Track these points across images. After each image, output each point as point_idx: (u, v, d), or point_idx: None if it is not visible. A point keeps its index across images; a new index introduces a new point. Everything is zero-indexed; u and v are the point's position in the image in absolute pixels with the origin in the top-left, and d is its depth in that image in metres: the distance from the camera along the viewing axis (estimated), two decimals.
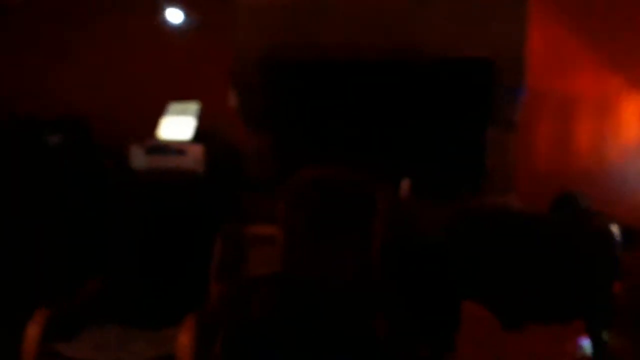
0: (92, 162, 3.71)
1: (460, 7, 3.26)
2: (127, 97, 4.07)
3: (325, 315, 2.64)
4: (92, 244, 2.94)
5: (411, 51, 3.28)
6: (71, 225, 3.44)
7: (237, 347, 2.39)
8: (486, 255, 2.56)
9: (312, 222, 2.87)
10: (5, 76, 4.16)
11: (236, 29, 3.46)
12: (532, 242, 2.54)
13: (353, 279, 2.75)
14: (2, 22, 4.15)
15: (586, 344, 2.32)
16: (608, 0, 3.49)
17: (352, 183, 2.89)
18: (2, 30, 4.17)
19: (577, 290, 2.42)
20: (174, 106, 3.76)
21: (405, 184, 3.32)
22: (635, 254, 2.85)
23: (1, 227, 3.29)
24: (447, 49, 3.24)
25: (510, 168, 3.43)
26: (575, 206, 3.12)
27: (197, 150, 3.51)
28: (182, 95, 3.82)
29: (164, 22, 3.96)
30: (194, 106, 3.73)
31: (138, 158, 3.56)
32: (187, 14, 3.95)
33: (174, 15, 3.91)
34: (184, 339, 2.26)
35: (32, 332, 2.29)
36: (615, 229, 2.44)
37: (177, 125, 3.68)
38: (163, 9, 3.94)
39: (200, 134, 3.66)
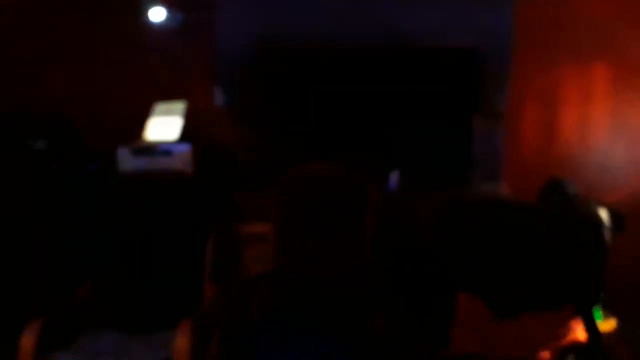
0: (79, 166, 3.70)
1: None
2: (112, 99, 4.03)
3: (322, 313, 2.65)
4: (83, 249, 2.92)
5: (396, 39, 3.27)
6: (61, 231, 3.43)
7: (233, 348, 2.39)
8: (477, 246, 2.57)
9: (304, 218, 2.85)
10: None
11: (217, 23, 3.43)
12: (522, 230, 2.55)
13: (347, 274, 2.75)
14: None
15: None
16: None
17: (343, 178, 2.87)
18: None
19: (568, 276, 2.43)
20: (159, 106, 3.74)
21: (394, 176, 3.33)
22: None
23: None
24: (432, 37, 3.24)
25: (498, 156, 3.45)
26: (563, 193, 3.14)
27: (185, 150, 3.50)
28: (168, 95, 3.79)
29: (147, 22, 3.92)
30: (180, 106, 3.70)
31: (126, 160, 3.54)
32: (169, 12, 3.91)
33: (156, 14, 3.87)
34: (181, 342, 2.26)
35: (27, 342, 2.28)
36: (604, 213, 2.46)
37: (164, 126, 3.66)
38: (145, 8, 3.90)
39: (187, 133, 3.64)
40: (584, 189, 3.20)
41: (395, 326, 2.42)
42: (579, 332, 2.28)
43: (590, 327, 2.30)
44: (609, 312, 2.41)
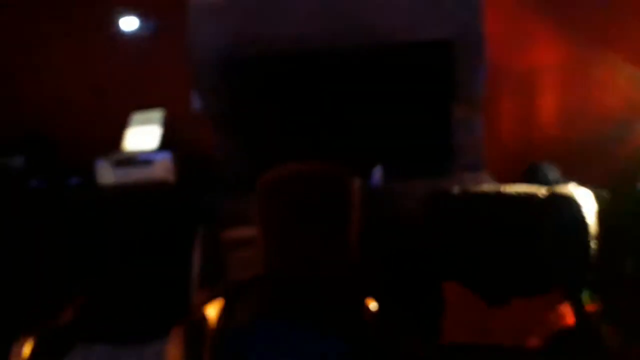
0: (58, 182, 3.67)
1: None
2: (88, 111, 4.00)
3: (314, 312, 2.64)
4: (67, 265, 2.89)
5: (369, 36, 3.28)
6: (44, 247, 3.40)
7: (227, 353, 2.38)
8: (463, 235, 2.57)
9: (289, 218, 2.85)
10: None
11: (191, 30, 3.42)
12: (506, 216, 2.57)
13: (334, 270, 2.75)
14: None
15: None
16: None
17: (325, 175, 2.87)
18: None
19: (555, 260, 2.45)
20: (137, 116, 3.72)
21: (377, 171, 3.34)
22: None
23: None
24: (404, 32, 3.25)
25: (479, 145, 3.48)
26: (544, 177, 3.18)
27: (166, 158, 3.48)
28: (146, 104, 3.77)
29: (119, 31, 3.89)
30: (157, 114, 3.68)
31: (105, 173, 3.50)
32: (141, 21, 3.89)
33: (129, 23, 3.85)
34: (174, 350, 2.24)
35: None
36: (586, 196, 2.48)
37: (143, 135, 3.64)
38: (117, 18, 3.87)
39: (167, 142, 3.62)
40: (567, 173, 3.26)
41: (387, 319, 2.43)
42: (568, 317, 2.30)
43: (579, 310, 2.32)
44: (594, 294, 2.43)
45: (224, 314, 2.59)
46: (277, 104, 3.67)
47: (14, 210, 3.45)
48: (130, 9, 3.90)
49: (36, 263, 3.44)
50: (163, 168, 3.47)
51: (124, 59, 3.95)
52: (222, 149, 3.71)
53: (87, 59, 3.99)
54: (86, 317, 2.72)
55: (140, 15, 3.90)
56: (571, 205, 2.47)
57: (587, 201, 2.47)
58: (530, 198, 2.60)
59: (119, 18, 3.88)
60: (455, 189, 2.77)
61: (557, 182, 3.13)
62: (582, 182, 2.86)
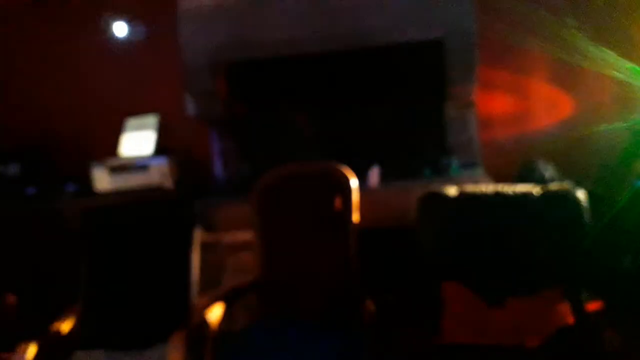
0: (55, 189, 3.66)
1: None
2: (84, 119, 3.99)
3: (312, 314, 2.66)
4: (67, 273, 2.89)
5: (360, 38, 3.29)
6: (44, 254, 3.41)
7: (227, 357, 2.38)
8: (459, 235, 2.59)
9: (284, 221, 2.87)
10: None
11: (182, 35, 3.41)
12: (502, 216, 2.58)
13: (332, 271, 2.77)
14: None
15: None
16: None
17: (320, 176, 2.89)
18: None
19: (552, 259, 2.47)
20: (132, 122, 3.71)
21: (374, 172, 3.35)
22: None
23: None
24: (396, 33, 3.25)
25: (474, 144, 3.49)
26: (539, 175, 3.19)
27: (162, 163, 3.47)
28: (140, 109, 3.77)
29: (112, 37, 3.88)
30: (152, 119, 3.68)
31: (102, 179, 3.50)
32: (131, 26, 3.88)
33: (119, 29, 3.84)
34: (174, 356, 2.24)
35: None
36: (581, 194, 2.50)
37: (138, 141, 3.63)
38: (108, 25, 3.86)
39: (162, 147, 3.62)
40: (561, 170, 3.27)
41: (386, 319, 2.44)
42: (567, 316, 2.31)
43: (578, 309, 2.34)
44: (593, 293, 2.43)
45: (223, 317, 2.60)
46: (271, 107, 3.68)
47: (10, 218, 3.46)
48: (121, 15, 3.88)
49: (35, 270, 3.45)
50: (159, 173, 3.47)
51: (117, 65, 3.93)
52: (217, 153, 3.71)
53: (80, 66, 3.97)
54: (86, 323, 2.73)
55: (131, 20, 3.89)
56: (567, 204, 2.49)
57: (582, 199, 2.49)
58: (527, 197, 2.62)
59: (112, 24, 3.86)
60: (451, 189, 2.79)
61: (553, 180, 3.14)
62: (577, 180, 2.88)
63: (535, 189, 2.64)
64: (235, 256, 3.16)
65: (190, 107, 3.51)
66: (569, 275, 2.42)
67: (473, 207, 2.65)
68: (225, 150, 3.71)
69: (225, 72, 3.47)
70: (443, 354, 2.28)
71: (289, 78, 3.53)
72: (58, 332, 2.56)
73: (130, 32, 3.86)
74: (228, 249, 3.18)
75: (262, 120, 3.71)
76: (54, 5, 3.94)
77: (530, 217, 2.56)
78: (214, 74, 3.43)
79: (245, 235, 3.03)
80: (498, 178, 3.29)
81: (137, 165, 3.48)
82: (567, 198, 2.55)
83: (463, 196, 2.74)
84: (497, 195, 2.73)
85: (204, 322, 2.48)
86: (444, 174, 3.37)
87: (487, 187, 2.72)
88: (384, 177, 3.36)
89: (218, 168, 3.71)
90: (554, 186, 2.64)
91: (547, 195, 2.60)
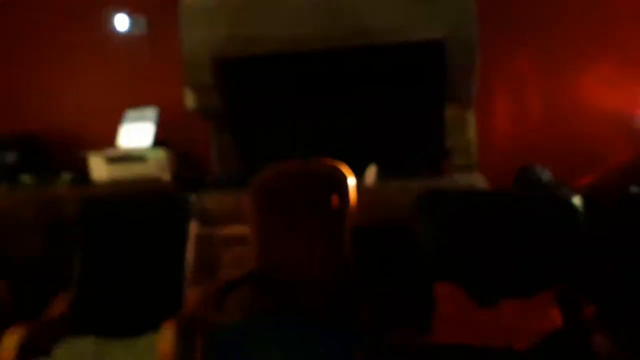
0: (51, 176, 3.67)
1: None
2: (83, 108, 4.00)
3: (305, 310, 2.65)
4: (60, 257, 2.89)
5: (362, 37, 3.29)
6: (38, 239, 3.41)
7: (218, 349, 2.38)
8: (454, 235, 2.59)
9: (281, 217, 2.87)
10: None
11: (183, 29, 3.42)
12: (498, 218, 2.58)
13: (327, 268, 2.76)
14: None
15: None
16: None
17: (318, 174, 2.89)
18: None
19: (545, 262, 2.46)
20: (131, 113, 3.71)
21: (371, 170, 3.35)
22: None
23: None
24: (397, 33, 3.26)
25: (472, 146, 3.49)
26: (537, 180, 3.19)
27: (160, 155, 3.48)
28: (140, 102, 3.77)
29: (112, 30, 3.89)
30: (151, 112, 3.68)
31: (99, 169, 3.51)
32: (132, 19, 3.89)
33: (120, 22, 3.85)
34: (164, 345, 2.23)
35: (6, 353, 2.23)
36: (577, 200, 2.50)
37: (137, 133, 3.63)
38: (110, 17, 3.87)
39: (161, 139, 3.62)
40: (559, 175, 3.28)
41: (379, 316, 2.43)
42: (557, 320, 2.31)
43: (569, 314, 2.33)
44: (587, 299, 2.42)
45: (216, 309, 2.60)
46: (270, 103, 3.68)
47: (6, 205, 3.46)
48: (123, 8, 3.89)
49: (28, 256, 3.45)
50: (156, 165, 3.47)
51: (118, 57, 3.94)
52: (216, 147, 3.71)
53: (81, 57, 3.98)
54: (77, 309, 2.73)
55: (132, 14, 3.90)
56: (563, 208, 2.49)
57: (578, 204, 2.49)
58: (523, 200, 2.62)
59: (113, 17, 3.87)
60: (448, 189, 2.79)
61: (550, 185, 3.14)
62: (574, 185, 2.89)
63: (532, 193, 2.64)
64: (231, 250, 3.16)
65: (190, 101, 3.51)
66: (562, 280, 2.42)
67: (470, 208, 2.65)
68: (224, 145, 3.71)
69: (225, 67, 3.47)
70: (431, 354, 2.27)
71: (289, 75, 3.54)
72: (49, 317, 2.56)
73: (132, 25, 3.87)
74: (224, 243, 3.18)
75: (261, 116, 3.71)
76: None
77: (526, 220, 2.56)
78: (214, 69, 3.43)
79: (241, 230, 3.02)
80: (495, 181, 3.31)
81: (134, 156, 3.49)
82: (564, 202, 2.55)
83: (460, 196, 2.74)
84: (494, 197, 2.74)
85: (195, 313, 2.48)
86: (441, 175, 3.37)
87: (484, 189, 2.72)
88: (381, 175, 3.36)
89: (216, 162, 3.71)
90: (551, 191, 2.65)
91: (543, 199, 2.60)
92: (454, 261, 2.52)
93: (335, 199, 2.81)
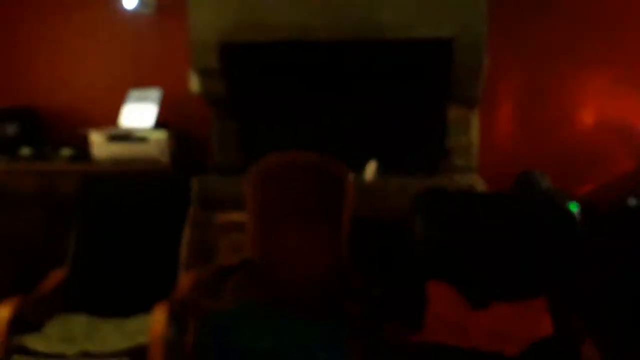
0: (51, 151, 3.66)
1: None
2: (87, 85, 3.98)
3: (297, 299, 2.66)
4: (55, 234, 2.89)
5: (370, 31, 3.28)
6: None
7: (211, 334, 2.38)
8: (451, 235, 2.59)
9: (279, 207, 2.87)
10: None
11: (191, 11, 3.40)
12: (495, 221, 2.58)
13: (323, 260, 2.77)
14: None
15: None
16: None
17: (318, 166, 2.89)
18: None
19: (540, 268, 2.47)
20: (134, 93, 3.70)
21: (371, 166, 3.34)
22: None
23: None
24: (406, 28, 3.25)
25: (473, 147, 3.49)
26: (536, 185, 3.20)
27: (161, 137, 3.47)
28: (144, 83, 3.76)
29: (120, 8, 3.86)
30: (155, 93, 3.67)
31: (100, 147, 3.50)
32: None
33: (129, 1, 3.82)
34: (156, 327, 2.23)
35: None
36: (574, 207, 2.50)
37: (139, 113, 3.62)
38: None
39: (163, 121, 3.61)
40: (556, 181, 3.28)
41: (371, 310, 2.44)
42: (547, 327, 2.32)
43: (560, 321, 2.34)
44: (580, 307, 2.44)
45: (210, 295, 2.60)
46: (275, 92, 3.66)
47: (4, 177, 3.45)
48: None
49: (21, 231, 3.45)
50: (157, 146, 3.46)
51: (124, 36, 3.92)
52: (217, 132, 3.70)
53: (88, 33, 3.96)
54: (71, 286, 2.73)
55: None
56: (560, 216, 2.50)
57: (576, 212, 2.50)
58: (521, 205, 2.63)
59: None
60: (447, 189, 2.79)
61: (549, 192, 3.14)
62: (573, 193, 2.89)
63: (530, 197, 2.64)
64: (228, 236, 3.15)
65: (194, 85, 3.50)
66: (555, 286, 2.42)
67: (468, 209, 2.65)
68: (225, 131, 3.70)
69: (231, 53, 3.45)
70: (419, 353, 2.28)
71: (295, 64, 3.52)
72: (42, 293, 2.56)
73: (140, 4, 3.84)
74: (222, 229, 3.18)
75: (264, 106, 3.70)
76: None
77: (523, 224, 2.56)
78: (221, 54, 3.41)
79: (239, 216, 3.02)
80: (495, 184, 3.31)
81: (135, 136, 3.48)
82: (561, 209, 2.55)
83: (460, 196, 2.74)
84: (492, 199, 2.74)
85: (188, 297, 2.48)
86: (441, 174, 3.37)
87: (483, 191, 2.72)
88: (381, 172, 3.36)
89: (217, 148, 3.70)
90: (550, 197, 2.65)
91: (541, 205, 2.60)
92: (449, 261, 2.53)
93: (332, 193, 2.82)
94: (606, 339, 2.36)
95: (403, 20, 3.25)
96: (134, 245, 2.77)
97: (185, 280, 2.61)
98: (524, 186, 3.25)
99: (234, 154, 3.66)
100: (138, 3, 3.81)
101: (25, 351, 2.25)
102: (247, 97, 3.66)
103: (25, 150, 3.67)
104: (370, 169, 3.34)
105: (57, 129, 3.94)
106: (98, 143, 3.50)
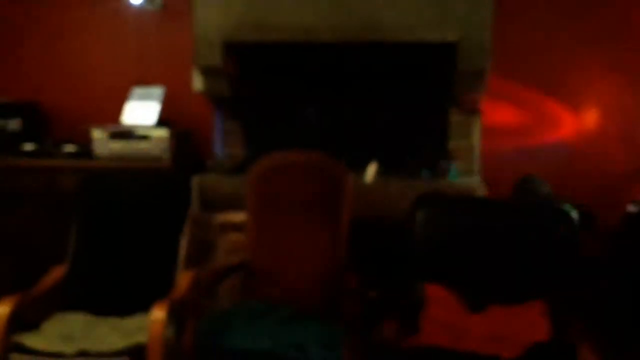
0: (50, 149, 3.67)
1: None
2: (90, 82, 3.99)
3: (295, 300, 2.67)
4: (57, 230, 2.89)
5: (374, 32, 3.27)
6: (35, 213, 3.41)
7: (208, 333, 2.39)
8: (449, 238, 2.59)
9: (279, 206, 2.87)
10: None
11: (196, 10, 3.40)
12: (494, 224, 2.59)
13: (321, 261, 2.77)
14: None
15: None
16: None
17: (318, 166, 2.89)
18: None
19: (539, 272, 2.47)
20: (137, 91, 3.71)
21: (372, 167, 3.35)
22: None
23: None
24: (410, 31, 3.24)
25: (475, 151, 3.49)
26: (536, 190, 3.20)
27: (163, 135, 3.48)
28: (147, 80, 3.76)
29: (125, 5, 3.87)
30: (158, 90, 3.67)
31: (101, 144, 3.51)
32: None
33: None
34: (154, 326, 2.24)
35: None
36: (574, 213, 2.50)
37: (141, 110, 3.63)
38: None
39: (165, 119, 3.62)
40: (557, 188, 3.28)
41: (369, 311, 2.45)
42: (544, 331, 2.32)
43: (557, 325, 2.34)
44: (578, 312, 2.44)
45: (208, 294, 2.61)
46: (277, 92, 3.67)
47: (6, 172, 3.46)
48: None
49: (23, 228, 3.46)
50: (159, 145, 3.47)
51: (128, 33, 3.92)
52: (219, 131, 3.71)
53: (92, 30, 3.97)
54: (69, 284, 2.73)
55: None
56: (560, 221, 2.50)
57: (575, 218, 2.50)
58: (521, 210, 2.63)
59: None
60: (446, 192, 2.80)
61: (548, 198, 3.14)
62: (572, 200, 2.89)
63: (529, 202, 2.64)
64: (227, 236, 3.16)
65: (197, 83, 3.50)
66: (554, 291, 2.43)
67: (468, 212, 2.66)
68: (228, 130, 3.71)
69: (236, 52, 3.46)
70: (416, 355, 2.28)
71: (298, 64, 3.52)
72: (40, 291, 2.56)
73: (145, 1, 3.84)
74: (221, 228, 3.18)
75: (267, 104, 3.70)
76: None
77: (523, 229, 2.57)
78: (225, 53, 3.41)
79: (239, 216, 3.03)
80: (495, 189, 3.31)
81: (137, 134, 3.49)
82: (561, 215, 2.55)
83: (459, 200, 2.74)
84: (493, 204, 2.75)
85: (187, 297, 2.49)
86: (441, 178, 3.37)
87: (483, 195, 2.72)
88: (381, 173, 3.36)
89: (218, 147, 3.71)
90: (549, 203, 2.65)
91: (540, 209, 2.61)
92: (447, 263, 2.53)
93: (332, 194, 2.82)
94: (605, 342, 2.36)
95: (407, 22, 3.24)
96: (133, 244, 2.77)
97: (184, 279, 2.61)
98: (524, 191, 3.25)
99: (235, 152, 3.66)
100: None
101: (23, 349, 2.24)
102: (250, 96, 3.66)
103: (28, 146, 3.68)
104: (371, 171, 3.34)
105: (60, 125, 3.96)
106: (100, 140, 3.51)
